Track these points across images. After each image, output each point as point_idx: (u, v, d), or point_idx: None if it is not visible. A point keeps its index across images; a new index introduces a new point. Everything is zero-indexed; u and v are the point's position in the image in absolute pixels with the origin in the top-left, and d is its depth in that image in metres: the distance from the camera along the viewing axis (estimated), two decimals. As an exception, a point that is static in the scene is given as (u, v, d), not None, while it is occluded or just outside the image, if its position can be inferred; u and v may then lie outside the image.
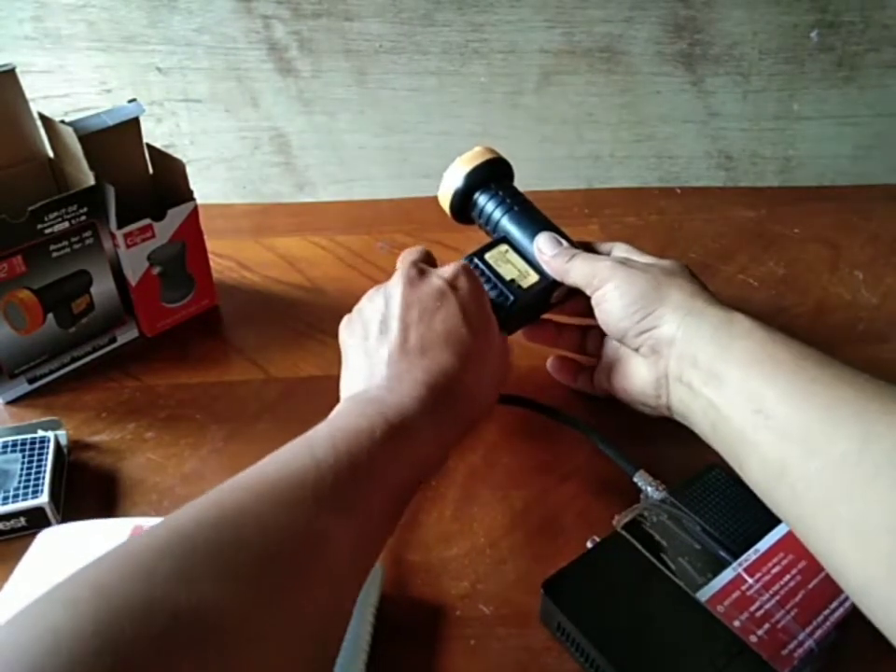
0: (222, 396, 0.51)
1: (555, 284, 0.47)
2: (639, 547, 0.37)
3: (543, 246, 0.46)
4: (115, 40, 0.71)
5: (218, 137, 0.78)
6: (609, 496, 0.44)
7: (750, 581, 0.36)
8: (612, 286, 0.42)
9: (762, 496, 0.35)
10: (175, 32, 0.71)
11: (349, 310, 0.42)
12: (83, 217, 0.48)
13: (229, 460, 0.47)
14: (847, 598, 0.35)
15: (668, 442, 0.44)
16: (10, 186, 0.49)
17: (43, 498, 0.41)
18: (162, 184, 0.54)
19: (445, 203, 0.53)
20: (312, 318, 0.58)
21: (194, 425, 0.49)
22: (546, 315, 0.51)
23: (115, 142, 0.51)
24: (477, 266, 0.47)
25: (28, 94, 0.49)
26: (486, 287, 0.46)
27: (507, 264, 0.47)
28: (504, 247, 0.48)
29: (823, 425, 0.31)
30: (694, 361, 0.38)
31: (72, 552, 0.37)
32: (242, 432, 0.48)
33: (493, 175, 0.51)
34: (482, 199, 0.51)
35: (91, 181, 0.48)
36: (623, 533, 0.38)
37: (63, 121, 0.49)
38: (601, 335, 0.47)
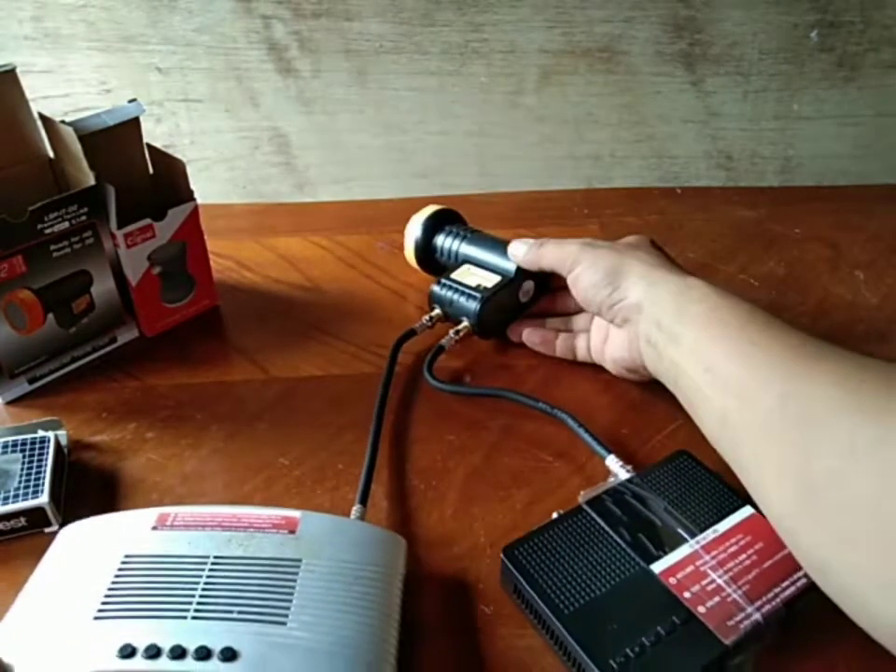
0: (222, 396, 0.51)
1: (516, 279, 0.53)
2: (599, 520, 0.39)
3: (515, 249, 0.52)
4: (115, 40, 0.71)
5: (218, 137, 0.78)
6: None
7: (706, 557, 0.37)
8: (583, 266, 0.47)
9: (713, 443, 0.39)
10: (175, 32, 0.71)
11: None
12: (83, 217, 0.48)
13: (229, 460, 0.47)
14: (799, 578, 0.35)
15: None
16: (10, 186, 0.50)
17: (43, 499, 0.41)
18: (162, 184, 0.54)
19: (411, 255, 0.60)
20: (312, 318, 0.58)
21: (194, 425, 0.49)
22: (549, 322, 0.55)
23: (115, 142, 0.51)
24: (445, 284, 0.53)
25: (28, 94, 0.49)
26: (455, 296, 0.52)
27: (471, 276, 0.54)
28: (467, 267, 0.55)
29: (755, 382, 0.36)
30: (658, 324, 0.42)
31: (96, 545, 0.36)
32: (242, 432, 0.48)
33: (446, 219, 0.59)
34: (440, 238, 0.58)
35: (92, 181, 0.48)
36: (586, 507, 0.39)
37: (63, 121, 0.49)
38: (591, 315, 0.51)
